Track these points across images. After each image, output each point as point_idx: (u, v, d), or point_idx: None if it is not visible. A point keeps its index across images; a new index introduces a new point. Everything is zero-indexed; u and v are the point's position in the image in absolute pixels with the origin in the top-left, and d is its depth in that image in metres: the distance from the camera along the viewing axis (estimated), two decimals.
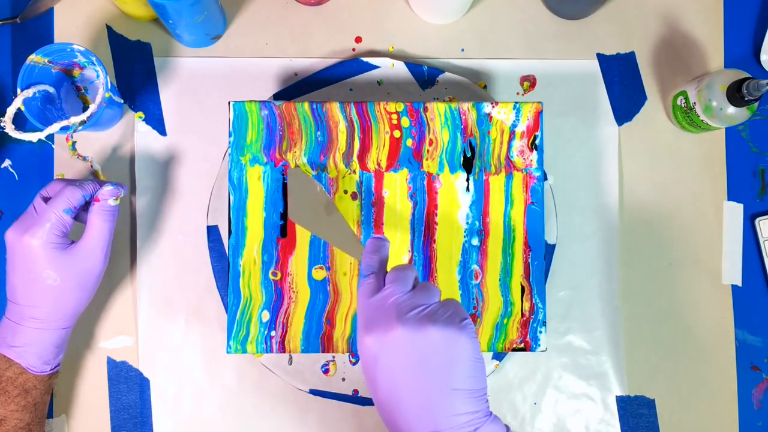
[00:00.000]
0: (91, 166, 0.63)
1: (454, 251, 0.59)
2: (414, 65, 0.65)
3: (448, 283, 0.58)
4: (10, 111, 0.57)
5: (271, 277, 0.58)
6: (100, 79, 0.59)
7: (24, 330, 0.55)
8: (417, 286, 0.46)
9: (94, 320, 0.64)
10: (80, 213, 0.57)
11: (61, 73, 0.62)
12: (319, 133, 0.59)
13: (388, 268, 0.48)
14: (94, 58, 0.59)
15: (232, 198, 0.58)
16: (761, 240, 0.66)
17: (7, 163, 0.65)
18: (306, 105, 0.59)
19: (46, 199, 0.55)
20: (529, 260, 0.59)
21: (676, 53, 0.67)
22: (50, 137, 0.65)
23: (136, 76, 0.65)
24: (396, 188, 0.59)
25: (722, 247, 0.66)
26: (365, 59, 0.65)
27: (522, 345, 0.59)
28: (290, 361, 0.63)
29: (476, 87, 0.65)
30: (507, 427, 0.44)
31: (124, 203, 0.65)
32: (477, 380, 0.43)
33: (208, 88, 0.65)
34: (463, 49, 0.67)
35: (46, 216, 0.54)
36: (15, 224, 0.55)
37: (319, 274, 0.58)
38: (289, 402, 0.64)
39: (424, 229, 0.59)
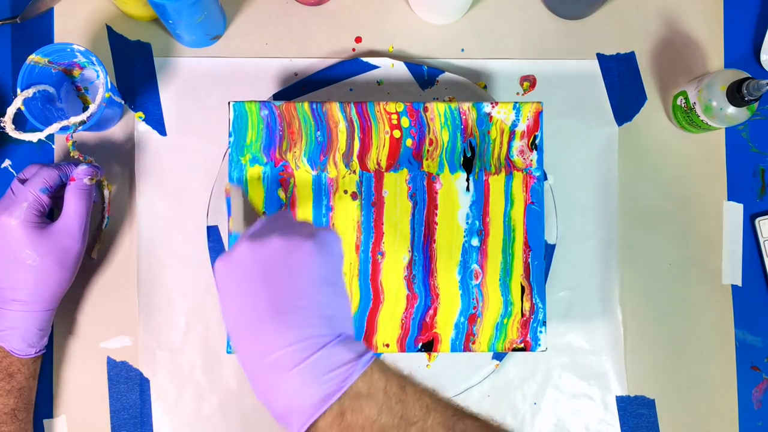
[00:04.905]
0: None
1: (454, 251, 0.59)
2: (414, 65, 0.65)
3: (448, 283, 0.58)
4: (10, 111, 0.57)
5: None
6: (100, 79, 0.59)
7: (6, 313, 0.55)
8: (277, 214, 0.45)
9: (94, 320, 0.64)
10: (58, 201, 0.58)
11: (61, 73, 0.62)
12: (319, 133, 0.59)
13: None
14: (94, 58, 0.59)
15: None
16: (761, 240, 0.66)
17: (7, 163, 0.65)
18: (306, 105, 0.59)
19: (24, 182, 0.56)
20: (529, 260, 0.59)
21: (676, 53, 0.67)
22: (50, 137, 0.65)
23: (136, 76, 0.65)
24: (396, 188, 0.59)
25: (722, 247, 0.66)
26: (365, 59, 0.65)
27: (522, 345, 0.59)
28: None
29: (476, 87, 0.65)
30: (369, 353, 0.39)
31: (124, 202, 0.65)
32: (322, 296, 0.39)
33: (208, 88, 0.65)
34: (463, 49, 0.67)
35: (23, 196, 0.55)
36: None
37: None
38: None
39: (424, 229, 0.59)
